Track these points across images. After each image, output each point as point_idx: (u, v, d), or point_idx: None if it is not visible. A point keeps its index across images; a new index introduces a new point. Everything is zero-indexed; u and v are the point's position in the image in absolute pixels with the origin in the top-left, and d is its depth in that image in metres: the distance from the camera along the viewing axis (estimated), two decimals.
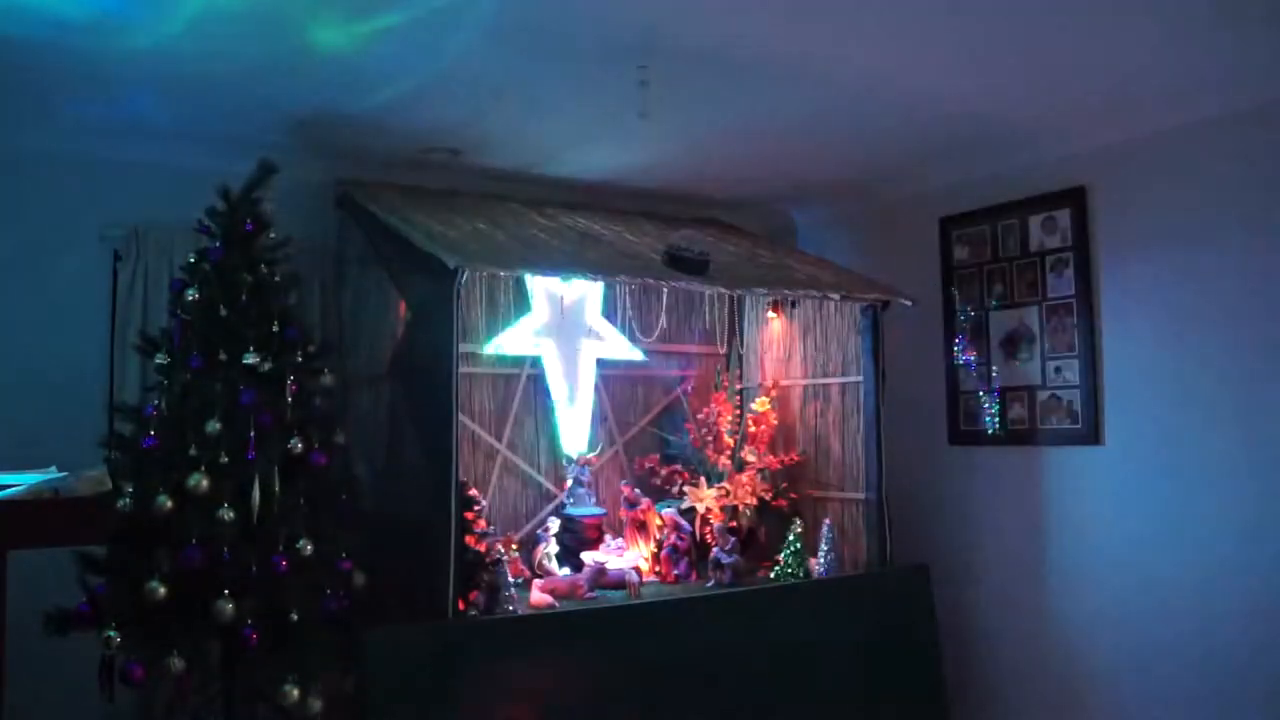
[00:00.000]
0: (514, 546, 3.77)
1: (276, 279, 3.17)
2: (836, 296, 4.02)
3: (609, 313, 4.43)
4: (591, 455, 4.24)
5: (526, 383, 4.29)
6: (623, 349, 4.43)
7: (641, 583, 3.78)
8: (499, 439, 4.20)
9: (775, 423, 4.48)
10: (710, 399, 4.53)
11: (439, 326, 3.27)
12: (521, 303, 4.23)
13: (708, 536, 4.08)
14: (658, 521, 4.13)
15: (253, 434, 2.94)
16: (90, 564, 2.84)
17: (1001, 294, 4.39)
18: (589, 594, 3.62)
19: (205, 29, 2.82)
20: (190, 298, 3.06)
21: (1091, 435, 4.04)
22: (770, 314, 4.67)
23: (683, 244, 3.73)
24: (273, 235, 3.20)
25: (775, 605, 3.81)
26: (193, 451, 2.89)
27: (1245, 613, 3.57)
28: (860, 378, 4.23)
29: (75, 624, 2.80)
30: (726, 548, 3.89)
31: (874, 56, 3.17)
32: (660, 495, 4.30)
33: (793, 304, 4.55)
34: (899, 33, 2.99)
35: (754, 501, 4.21)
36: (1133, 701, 3.90)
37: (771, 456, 4.41)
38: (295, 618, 2.91)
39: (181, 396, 2.99)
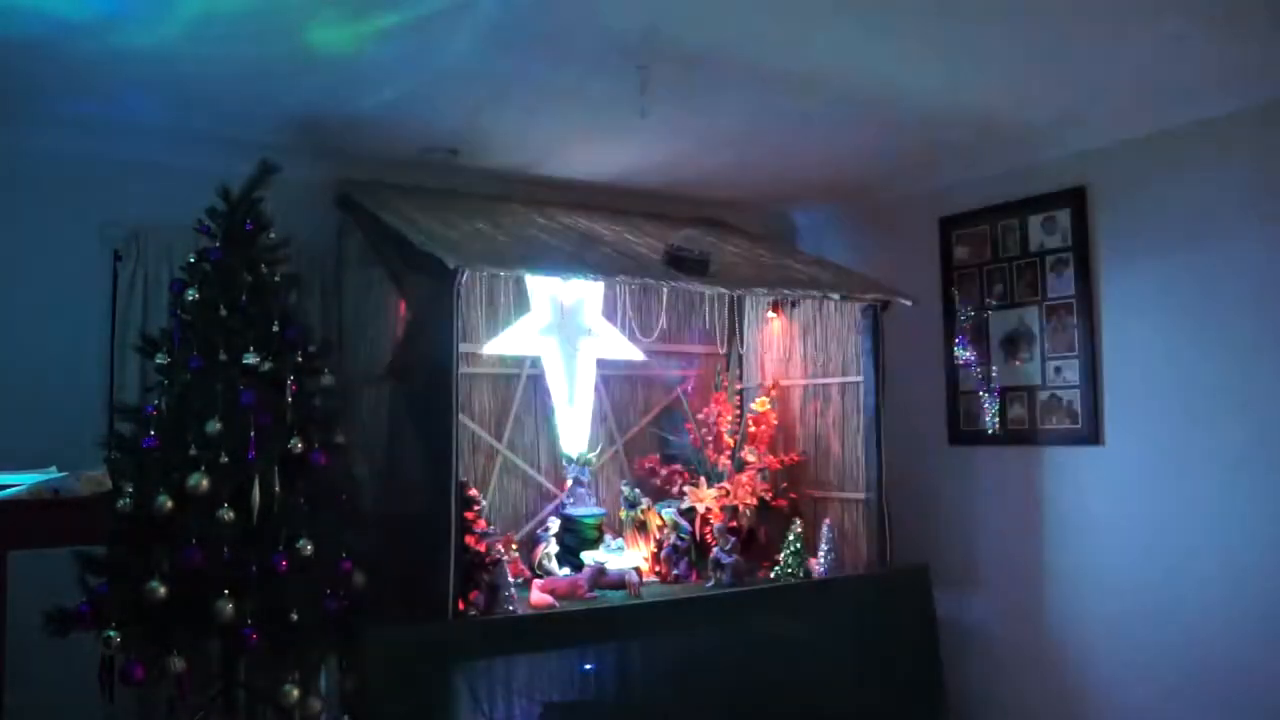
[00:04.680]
0: (514, 546, 3.77)
1: (276, 279, 3.18)
2: (836, 296, 4.02)
3: (609, 313, 4.43)
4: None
5: (526, 383, 4.28)
6: (623, 349, 4.43)
7: (641, 583, 3.78)
8: (499, 439, 4.19)
9: (775, 423, 4.48)
10: (710, 399, 4.53)
11: (439, 326, 3.27)
12: (521, 303, 4.23)
13: (708, 536, 4.07)
14: (658, 522, 4.13)
15: (253, 434, 2.94)
16: (90, 564, 2.84)
17: (1001, 294, 4.39)
18: (589, 594, 3.62)
19: (205, 29, 2.82)
20: (190, 298, 3.07)
21: (1091, 435, 4.04)
22: (770, 314, 4.67)
23: (683, 244, 3.74)
24: (272, 235, 3.21)
25: (775, 605, 3.81)
26: (193, 451, 2.89)
27: (1246, 613, 3.57)
28: (860, 378, 4.23)
29: (75, 624, 2.80)
30: (726, 548, 3.89)
31: (874, 57, 3.18)
32: (660, 495, 4.31)
33: (793, 304, 4.55)
34: (899, 33, 2.99)
35: (754, 501, 4.21)
36: (1132, 701, 3.90)
37: (771, 456, 4.41)
38: (295, 618, 2.91)
39: (181, 396, 3.00)
